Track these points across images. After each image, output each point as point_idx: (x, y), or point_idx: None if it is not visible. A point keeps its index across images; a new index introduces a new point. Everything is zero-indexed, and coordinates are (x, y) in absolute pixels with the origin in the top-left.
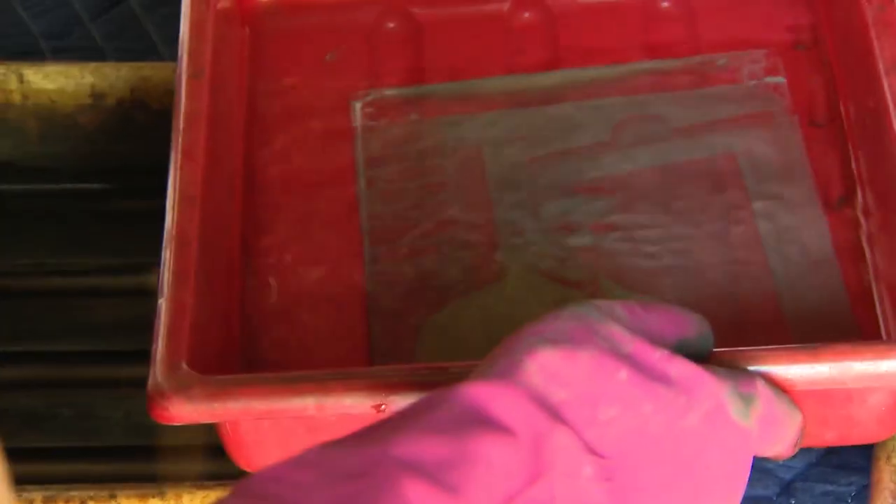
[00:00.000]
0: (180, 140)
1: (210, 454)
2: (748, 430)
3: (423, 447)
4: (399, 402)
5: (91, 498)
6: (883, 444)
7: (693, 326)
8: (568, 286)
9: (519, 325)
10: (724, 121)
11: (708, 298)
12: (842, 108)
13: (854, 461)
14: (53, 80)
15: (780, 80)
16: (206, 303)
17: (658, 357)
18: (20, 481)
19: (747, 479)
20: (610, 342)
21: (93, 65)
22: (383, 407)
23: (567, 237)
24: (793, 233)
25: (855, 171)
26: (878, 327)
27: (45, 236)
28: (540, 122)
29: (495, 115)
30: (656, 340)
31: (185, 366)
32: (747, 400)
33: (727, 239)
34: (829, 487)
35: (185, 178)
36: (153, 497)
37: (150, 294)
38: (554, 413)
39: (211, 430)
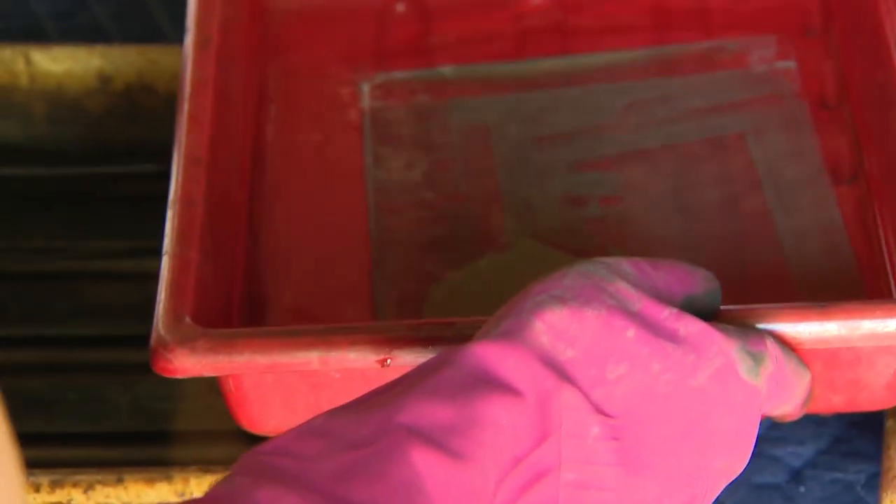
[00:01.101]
0: (186, 105)
1: (220, 440)
2: (757, 388)
3: (430, 412)
4: (403, 356)
5: (98, 482)
6: (893, 432)
7: (700, 283)
8: (575, 254)
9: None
10: (733, 103)
11: (716, 269)
12: (852, 90)
13: (864, 448)
14: (61, 63)
15: (791, 64)
16: (210, 261)
17: (666, 315)
18: (27, 465)
19: (755, 438)
20: (618, 300)
21: (100, 48)
22: (388, 361)
23: (575, 209)
24: (802, 206)
25: (863, 147)
26: (889, 295)
27: (51, 220)
28: (548, 104)
29: (504, 97)
30: (664, 297)
31: (188, 319)
32: (757, 358)
33: (736, 212)
34: (839, 475)
35: (192, 141)
36: (160, 481)
37: (157, 278)
38: (561, 372)
39: (218, 415)
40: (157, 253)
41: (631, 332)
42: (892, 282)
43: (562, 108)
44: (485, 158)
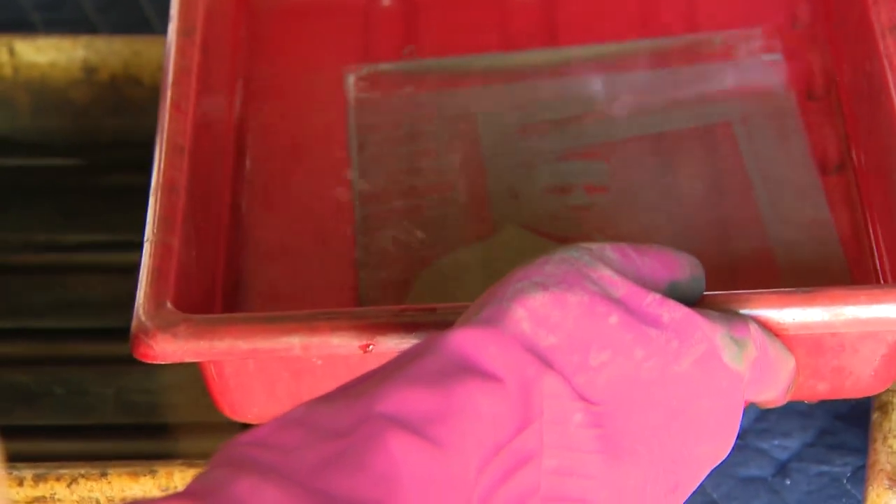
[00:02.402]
0: (169, 93)
1: (206, 432)
2: (741, 374)
3: (409, 400)
4: (386, 342)
5: (82, 476)
6: (879, 425)
7: (685, 268)
8: (561, 242)
9: None
10: (720, 93)
11: (703, 258)
12: (839, 80)
13: (850, 441)
14: (45, 54)
15: (777, 57)
16: (192, 248)
17: (649, 301)
18: (11, 459)
19: (739, 424)
20: (600, 286)
21: (85, 38)
22: (370, 347)
23: (560, 197)
24: (788, 196)
25: (850, 137)
26: (876, 278)
27: (36, 212)
28: (534, 95)
29: (490, 89)
30: (647, 283)
31: (170, 305)
32: (740, 344)
33: (722, 201)
34: (825, 468)
35: (174, 128)
36: (144, 475)
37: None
38: (543, 359)
39: (204, 408)
40: (141, 245)
41: (614, 318)
42: (878, 270)
43: (548, 98)
44: (471, 148)
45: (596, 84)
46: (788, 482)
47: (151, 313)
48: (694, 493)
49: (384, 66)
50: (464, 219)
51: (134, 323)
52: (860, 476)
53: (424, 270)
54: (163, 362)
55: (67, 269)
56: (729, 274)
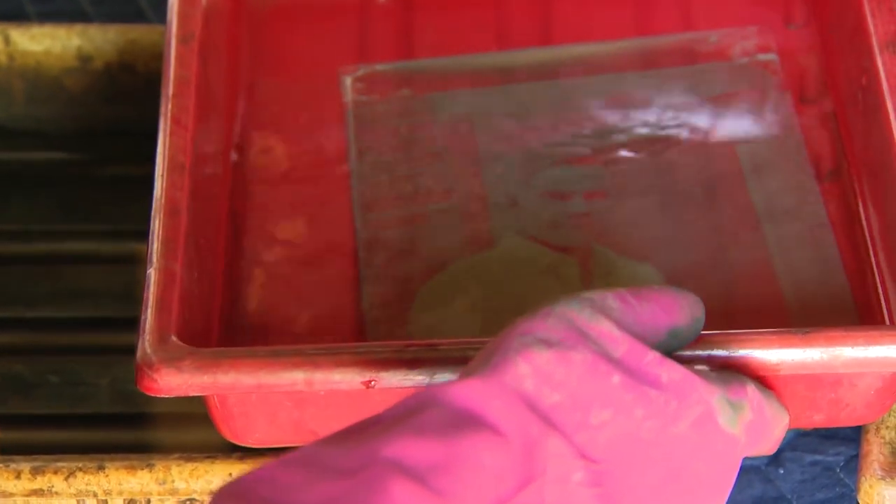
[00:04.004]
0: (169, 106)
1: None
2: (736, 437)
3: (414, 448)
4: (388, 378)
5: (80, 469)
6: None
7: (685, 311)
8: (560, 251)
9: (512, 293)
10: (716, 97)
11: (700, 265)
12: (833, 86)
13: (843, 431)
14: (40, 42)
15: (772, 57)
16: (194, 272)
17: (649, 360)
18: (6, 450)
19: (734, 484)
20: (601, 345)
21: (79, 26)
22: (373, 383)
23: (559, 204)
24: (786, 202)
25: (846, 146)
26: (875, 292)
27: (31, 201)
28: (531, 98)
29: (486, 90)
30: (648, 331)
31: (174, 338)
32: (736, 407)
33: (720, 206)
34: (818, 457)
35: (174, 146)
36: (142, 469)
37: (138, 261)
38: (545, 417)
39: (198, 398)
40: (137, 235)
41: (616, 377)
42: (875, 270)
43: (545, 101)
44: (469, 154)
45: (592, 85)
46: (782, 471)
47: (156, 346)
48: None
49: (380, 67)
50: (464, 228)
51: (138, 355)
52: (853, 465)
53: (426, 284)
54: (168, 396)
55: (63, 258)
56: (727, 285)
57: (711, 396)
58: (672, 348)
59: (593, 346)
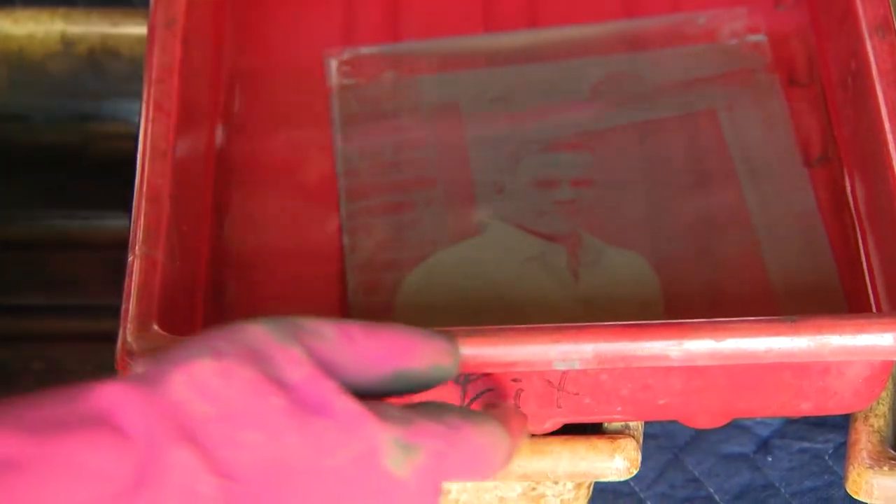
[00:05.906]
0: (151, 92)
1: None
2: (402, 480)
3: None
4: None
5: None
6: None
7: (424, 357)
8: (546, 239)
9: (498, 281)
10: (704, 79)
11: (688, 252)
12: (822, 69)
13: (832, 418)
14: (23, 26)
15: (761, 38)
16: (176, 260)
17: (326, 388)
18: None
19: None
20: (273, 367)
21: (63, 10)
22: None
23: (546, 191)
24: (773, 182)
25: (835, 131)
26: (863, 279)
27: (14, 187)
28: (518, 82)
29: (473, 73)
30: (368, 368)
31: (156, 327)
32: (407, 450)
33: (708, 191)
34: (806, 445)
35: (157, 132)
36: None
37: (122, 246)
38: (187, 427)
39: None
40: (119, 220)
41: (277, 400)
42: (864, 257)
43: (532, 85)
44: (455, 139)
45: (579, 68)
46: (770, 459)
47: (137, 335)
48: (675, 469)
49: (365, 50)
50: (450, 215)
51: (119, 343)
52: (841, 453)
53: (411, 272)
54: None
55: (46, 244)
56: (714, 272)
57: (380, 435)
58: (398, 391)
59: (262, 366)
